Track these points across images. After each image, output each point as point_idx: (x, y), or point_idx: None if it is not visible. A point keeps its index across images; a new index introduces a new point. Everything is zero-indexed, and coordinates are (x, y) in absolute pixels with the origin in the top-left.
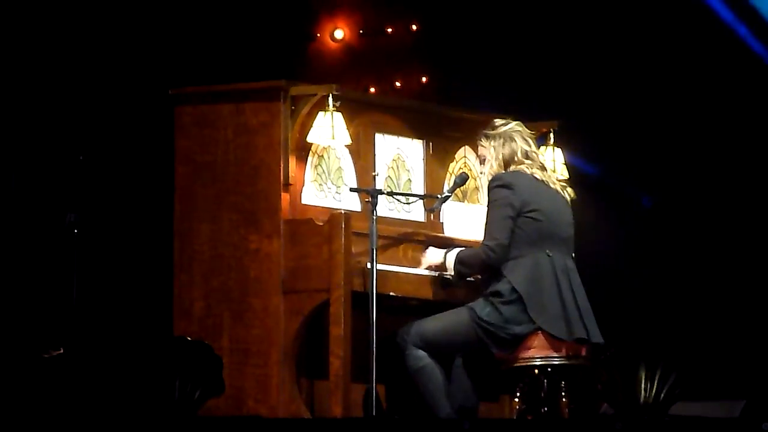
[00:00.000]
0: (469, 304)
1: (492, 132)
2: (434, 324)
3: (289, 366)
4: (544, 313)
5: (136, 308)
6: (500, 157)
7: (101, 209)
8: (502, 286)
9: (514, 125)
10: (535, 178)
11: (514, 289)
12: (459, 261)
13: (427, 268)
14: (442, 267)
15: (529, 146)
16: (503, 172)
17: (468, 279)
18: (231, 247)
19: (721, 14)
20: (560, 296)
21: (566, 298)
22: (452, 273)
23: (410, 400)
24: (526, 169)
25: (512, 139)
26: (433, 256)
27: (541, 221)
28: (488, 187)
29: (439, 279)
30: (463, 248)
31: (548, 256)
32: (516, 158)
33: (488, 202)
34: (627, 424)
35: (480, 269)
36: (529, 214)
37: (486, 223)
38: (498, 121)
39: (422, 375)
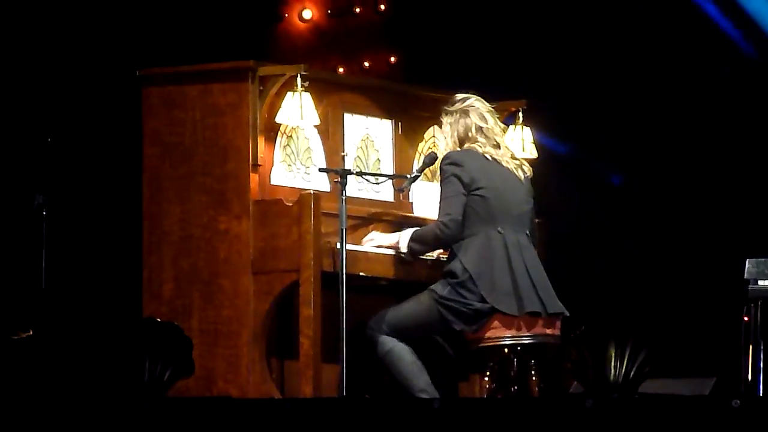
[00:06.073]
0: (430, 286)
1: (449, 108)
2: (398, 311)
3: (259, 346)
4: (493, 291)
5: (105, 290)
6: (455, 134)
7: (70, 191)
8: (455, 266)
9: (472, 100)
10: (486, 157)
11: (465, 269)
12: (412, 239)
13: (376, 247)
14: (395, 246)
15: (485, 122)
16: (456, 150)
17: (424, 257)
18: (200, 228)
19: None
20: (511, 272)
21: (518, 273)
22: (405, 251)
23: (381, 380)
24: (478, 148)
25: (467, 115)
26: (383, 236)
27: (489, 199)
28: (440, 165)
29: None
30: (417, 228)
31: (499, 233)
32: (470, 135)
33: (440, 180)
34: (597, 402)
35: (435, 245)
36: (476, 192)
37: (439, 200)
38: (457, 97)
39: (392, 356)
